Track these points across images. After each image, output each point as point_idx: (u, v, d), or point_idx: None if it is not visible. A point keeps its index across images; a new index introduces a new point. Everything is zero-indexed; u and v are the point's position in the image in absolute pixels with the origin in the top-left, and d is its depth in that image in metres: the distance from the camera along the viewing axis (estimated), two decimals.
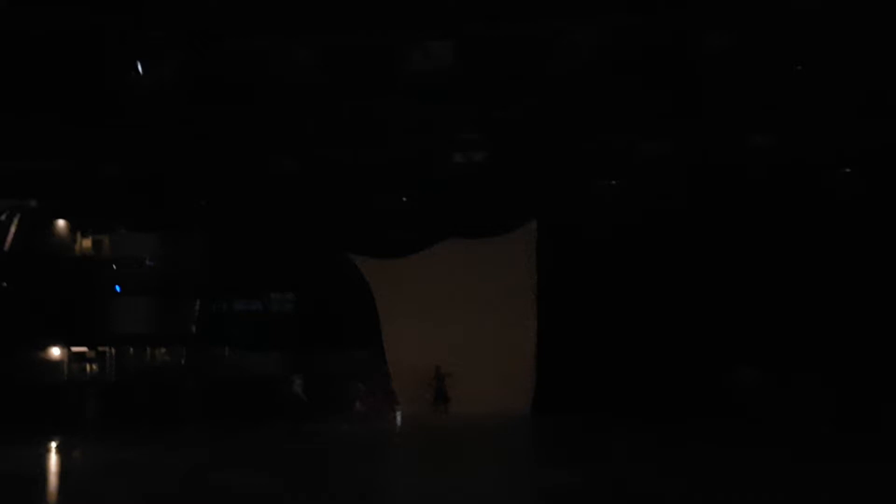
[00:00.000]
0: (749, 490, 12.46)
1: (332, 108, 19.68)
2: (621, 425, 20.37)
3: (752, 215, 22.87)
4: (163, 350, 34.20)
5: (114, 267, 31.49)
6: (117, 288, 31.21)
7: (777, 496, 12.16)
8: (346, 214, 24.30)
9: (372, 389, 20.92)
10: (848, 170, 21.86)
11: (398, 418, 21.95)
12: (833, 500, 11.89)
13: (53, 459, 18.92)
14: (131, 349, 32.33)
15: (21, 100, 19.84)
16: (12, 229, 28.66)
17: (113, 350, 31.49)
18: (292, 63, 17.29)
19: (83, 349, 31.11)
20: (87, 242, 32.07)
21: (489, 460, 16.18)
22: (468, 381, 22.38)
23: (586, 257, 23.03)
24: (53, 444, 19.91)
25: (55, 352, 30.02)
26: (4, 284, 27.42)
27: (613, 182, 22.13)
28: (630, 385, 22.29)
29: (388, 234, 24.27)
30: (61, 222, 31.04)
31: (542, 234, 23.38)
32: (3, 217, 28.69)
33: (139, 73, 19.52)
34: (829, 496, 12.12)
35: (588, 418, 20.98)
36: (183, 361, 34.03)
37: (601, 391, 21.99)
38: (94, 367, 31.58)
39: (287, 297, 35.36)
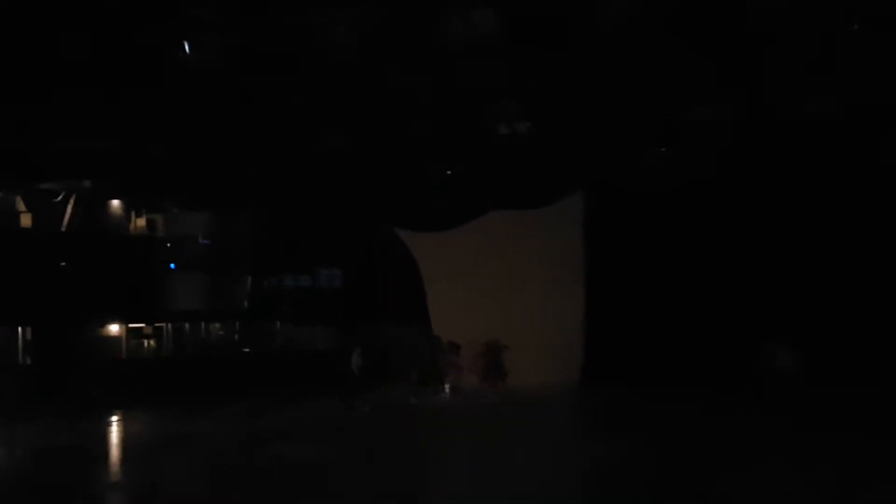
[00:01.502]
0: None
1: (375, 81, 19.23)
2: (670, 396, 19.81)
3: (804, 183, 21.88)
4: (216, 325, 34.57)
5: (168, 245, 31.76)
6: (172, 265, 31.48)
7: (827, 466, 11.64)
8: (392, 188, 23.92)
9: (420, 362, 20.56)
10: None
11: (447, 391, 21.65)
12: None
13: (115, 432, 19.13)
14: (187, 325, 32.71)
15: (72, 81, 19.79)
16: (69, 210, 29.00)
17: (169, 326, 31.88)
18: (336, 35, 16.85)
19: (141, 325, 31.52)
20: (141, 221, 32.34)
21: (537, 433, 15.80)
22: (515, 354, 21.97)
23: (634, 226, 22.29)
24: (115, 418, 20.15)
25: (114, 328, 30.46)
26: (63, 264, 27.77)
27: (662, 149, 21.26)
28: (679, 355, 21.64)
29: (433, 207, 23.81)
30: (116, 202, 31.34)
31: (590, 203, 22.62)
32: (60, 199, 29.03)
33: (186, 49, 19.27)
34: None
35: (637, 389, 20.44)
36: (236, 336, 34.35)
37: (650, 362, 21.39)
38: (152, 342, 32.01)
39: (334, 272, 35.42)
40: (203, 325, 33.65)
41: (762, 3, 15.60)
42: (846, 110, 19.35)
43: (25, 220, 28.59)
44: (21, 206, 28.59)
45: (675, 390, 20.28)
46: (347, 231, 27.92)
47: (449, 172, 22.87)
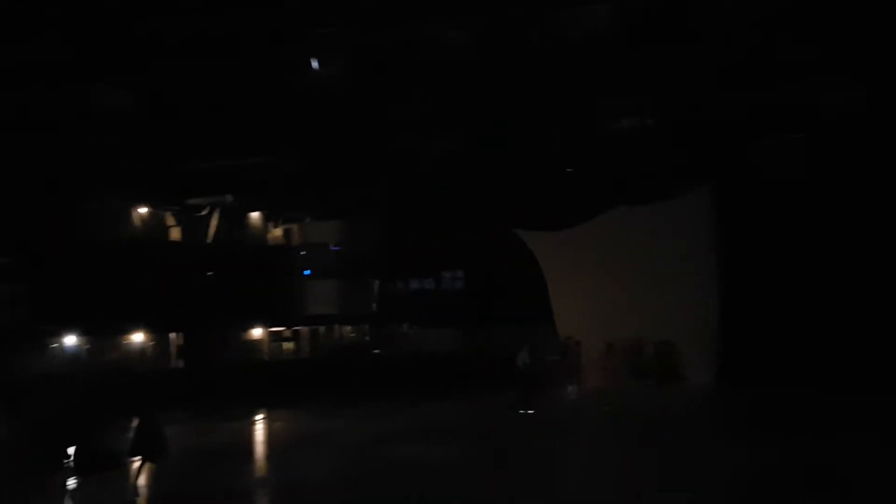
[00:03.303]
0: None
1: (491, 84, 18.93)
2: (810, 399, 18.16)
3: None
4: (348, 328, 35.44)
5: (302, 253, 32.87)
6: (307, 272, 32.53)
7: None
8: (511, 190, 23.48)
9: (547, 363, 19.88)
10: None
11: (576, 392, 20.85)
12: None
13: (259, 431, 19.79)
14: (321, 328, 33.71)
15: (211, 104, 20.73)
16: (213, 223, 30.56)
17: (306, 329, 32.94)
18: (454, 40, 16.70)
19: (280, 329, 32.74)
20: (277, 231, 33.70)
21: (672, 435, 14.90)
22: (646, 354, 20.83)
23: (771, 218, 20.53)
24: (258, 417, 20.85)
25: (256, 332, 31.79)
26: (210, 273, 29.19)
27: (799, 136, 19.58)
28: (821, 355, 19.74)
29: (553, 206, 23.09)
30: (255, 214, 32.78)
31: (722, 195, 20.94)
32: (205, 213, 30.63)
33: (313, 68, 19.70)
34: None
35: (775, 392, 18.88)
36: (366, 338, 35.08)
37: (790, 363, 19.60)
38: (291, 345, 33.19)
39: (458, 274, 35.46)
40: (336, 328, 34.60)
41: None
42: None
43: (175, 234, 30.38)
44: (171, 220, 30.42)
45: (816, 393, 18.59)
46: (470, 234, 27.77)
47: (569, 170, 22.11)
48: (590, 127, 20.01)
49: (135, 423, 11.61)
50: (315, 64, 19.78)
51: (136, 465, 11.53)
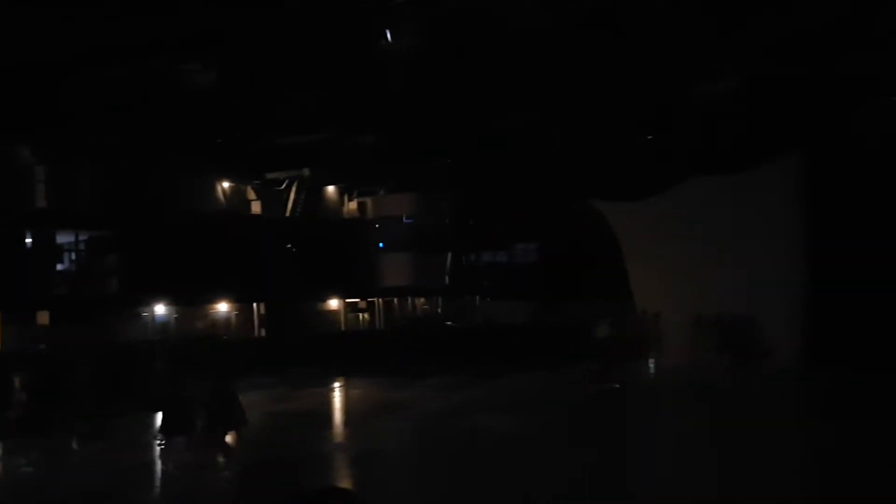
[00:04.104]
0: None
1: (565, 53, 18.36)
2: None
3: None
4: (421, 300, 35.65)
5: (376, 226, 33.13)
6: (381, 245, 32.79)
7: None
8: (589, 159, 22.78)
9: (626, 337, 19.30)
10: None
11: (652, 367, 20.27)
12: None
13: (338, 398, 20.16)
14: (395, 300, 34.01)
15: (291, 81, 20.90)
16: (292, 196, 31.09)
17: (380, 301, 33.30)
18: (523, 13, 16.24)
19: (356, 301, 33.20)
20: (352, 205, 34.05)
21: (753, 414, 14.31)
22: (725, 329, 19.94)
23: (859, 189, 19.17)
24: (336, 385, 21.23)
25: (334, 304, 32.33)
26: (289, 246, 29.73)
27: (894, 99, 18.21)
28: None
29: (633, 176, 22.24)
30: (331, 188, 33.18)
31: (807, 165, 19.64)
32: (284, 186, 31.19)
33: (388, 38, 19.55)
34: None
35: (864, 373, 17.74)
36: (439, 310, 35.20)
37: (879, 343, 18.28)
38: (366, 316, 33.62)
39: (531, 246, 35.06)
40: (409, 300, 34.85)
41: None
42: None
43: (256, 208, 31.06)
44: (252, 194, 31.10)
45: None
46: (545, 205, 27.32)
47: (649, 137, 21.24)
48: (672, 93, 19.22)
49: (213, 390, 11.96)
50: (389, 35, 19.62)
51: (217, 431, 11.88)
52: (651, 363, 20.07)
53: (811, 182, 19.48)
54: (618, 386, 17.53)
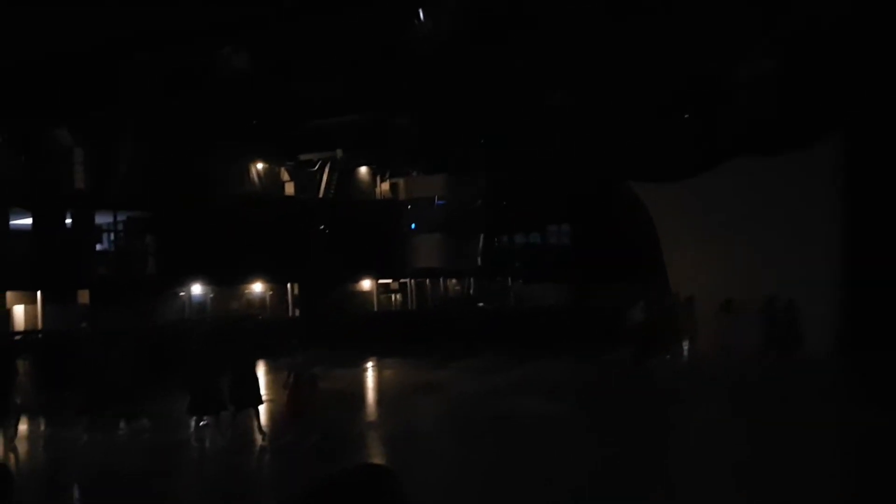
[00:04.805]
0: None
1: (601, 34, 17.95)
2: None
3: None
4: (453, 282, 35.54)
5: (409, 207, 33.03)
6: (413, 226, 32.70)
7: None
8: (623, 140, 22.30)
9: (660, 320, 18.92)
10: None
11: (685, 352, 19.89)
12: None
13: (371, 378, 20.17)
14: (427, 281, 33.97)
15: (323, 66, 20.80)
16: (325, 178, 31.10)
17: (412, 282, 33.29)
18: None
19: (388, 282, 33.22)
20: (385, 186, 33.97)
21: (786, 401, 13.93)
22: (762, 313, 19.38)
23: None
24: (368, 365, 21.24)
25: (366, 285, 32.39)
26: (322, 227, 29.79)
27: None
28: None
29: (669, 156, 21.72)
30: (363, 169, 33.12)
31: (852, 145, 18.94)
32: (317, 168, 31.20)
33: (420, 21, 19.36)
34: None
35: None
36: (471, 292, 35.07)
37: None
38: (398, 297, 33.66)
39: (565, 228, 34.64)
40: (441, 281, 34.78)
41: None
42: None
43: (289, 189, 31.15)
44: (285, 176, 31.17)
45: None
46: (579, 186, 26.89)
47: (686, 116, 20.76)
48: (710, 73, 18.71)
49: (236, 372, 12.01)
50: (422, 16, 19.40)
51: (245, 411, 11.93)
52: (685, 347, 19.69)
53: (852, 164, 18.82)
54: (652, 370, 17.25)
